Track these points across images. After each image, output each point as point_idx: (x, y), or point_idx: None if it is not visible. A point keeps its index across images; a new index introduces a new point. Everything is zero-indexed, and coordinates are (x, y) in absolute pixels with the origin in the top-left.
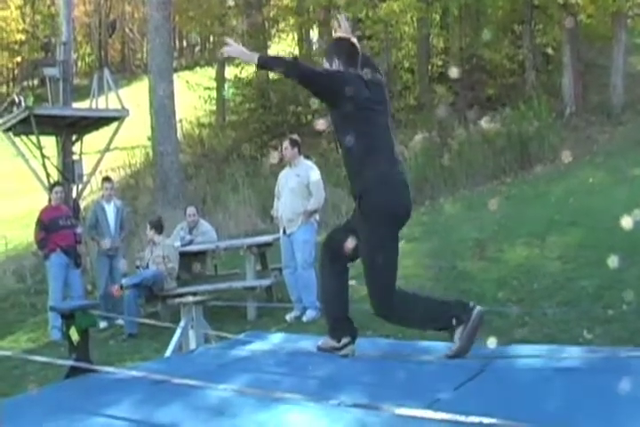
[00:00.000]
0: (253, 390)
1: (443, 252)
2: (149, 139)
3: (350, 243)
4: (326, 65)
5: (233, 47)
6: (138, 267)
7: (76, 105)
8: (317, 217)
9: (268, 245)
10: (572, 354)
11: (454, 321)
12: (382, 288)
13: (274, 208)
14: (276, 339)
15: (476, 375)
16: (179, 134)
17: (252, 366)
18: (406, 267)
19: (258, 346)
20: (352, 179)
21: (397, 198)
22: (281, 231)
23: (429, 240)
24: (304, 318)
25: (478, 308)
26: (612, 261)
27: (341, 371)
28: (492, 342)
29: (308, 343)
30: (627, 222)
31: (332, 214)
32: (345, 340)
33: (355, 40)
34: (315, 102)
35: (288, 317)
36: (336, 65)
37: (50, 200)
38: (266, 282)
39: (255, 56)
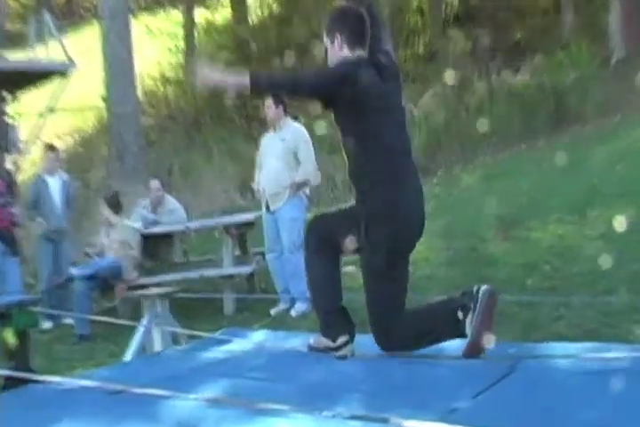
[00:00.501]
0: (232, 399)
1: (459, 231)
2: (103, 98)
3: (349, 243)
4: (327, 43)
5: (208, 73)
6: (90, 254)
7: (8, 56)
8: (307, 191)
9: (248, 224)
10: (619, 353)
11: (460, 313)
12: (382, 320)
13: (255, 180)
14: (258, 337)
15: (501, 380)
16: (138, 92)
17: (229, 370)
18: (415, 250)
19: (237, 346)
20: (358, 192)
21: (405, 231)
22: (264, 208)
23: (443, 217)
24: (292, 312)
25: (485, 286)
26: None
27: (338, 376)
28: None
29: (297, 342)
30: None
31: (325, 187)
32: (342, 338)
33: (363, 12)
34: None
35: (273, 311)
36: (338, 43)
37: None
38: (246, 269)
39: (245, 78)
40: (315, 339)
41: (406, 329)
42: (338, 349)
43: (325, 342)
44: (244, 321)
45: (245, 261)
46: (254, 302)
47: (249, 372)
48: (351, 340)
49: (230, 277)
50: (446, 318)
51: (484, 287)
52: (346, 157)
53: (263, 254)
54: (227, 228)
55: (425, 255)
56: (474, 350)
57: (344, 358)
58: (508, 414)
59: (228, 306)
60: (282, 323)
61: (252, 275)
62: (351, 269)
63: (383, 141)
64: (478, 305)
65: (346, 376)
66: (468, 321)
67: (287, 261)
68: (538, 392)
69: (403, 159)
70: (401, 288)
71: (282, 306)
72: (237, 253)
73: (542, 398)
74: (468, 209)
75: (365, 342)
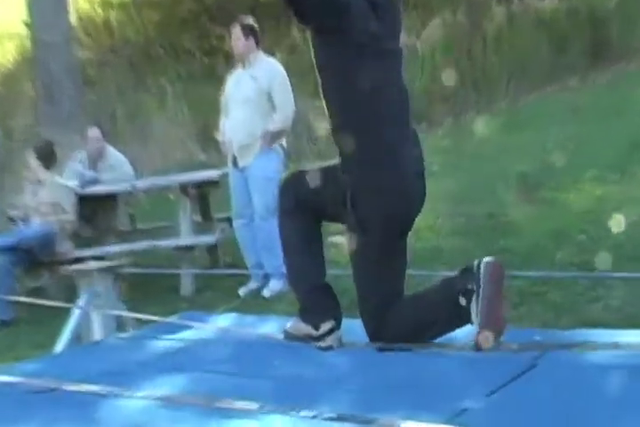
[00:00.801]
0: (189, 397)
1: (473, 193)
2: (26, 24)
3: (333, 211)
4: None
5: None
6: (13, 220)
7: None
8: (284, 142)
9: (211, 184)
10: None
11: (462, 299)
12: (373, 309)
13: (220, 129)
14: (223, 322)
15: (521, 375)
16: (71, 17)
17: (187, 362)
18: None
19: (197, 333)
20: (342, 159)
21: (401, 209)
22: (230, 164)
23: (452, 176)
24: (265, 292)
25: (485, 260)
26: None
27: (321, 370)
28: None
29: (271, 329)
30: None
31: (305, 137)
32: (326, 325)
33: None
34: None
35: (242, 290)
36: None
37: None
38: (208, 239)
39: None
40: (292, 324)
41: (404, 320)
42: (321, 337)
43: (305, 328)
44: (205, 303)
45: (207, 230)
46: (218, 280)
47: (211, 364)
48: (337, 326)
49: (189, 248)
50: (447, 305)
51: (485, 260)
52: (327, 112)
53: (230, 221)
54: (184, 188)
55: (430, 223)
56: (485, 342)
57: (329, 348)
58: (529, 417)
59: (187, 284)
60: (252, 305)
61: (215, 246)
62: (337, 240)
63: (373, 95)
64: (481, 285)
65: (330, 371)
66: (472, 307)
67: (259, 230)
68: (567, 391)
69: (398, 117)
70: (397, 274)
71: (252, 284)
72: (197, 219)
73: (572, 398)
74: (483, 166)
75: (356, 328)
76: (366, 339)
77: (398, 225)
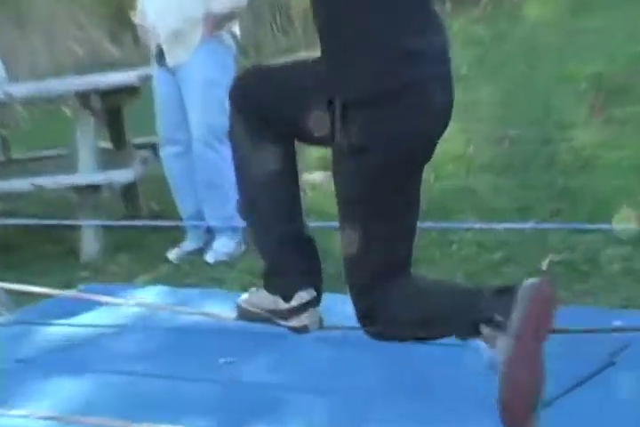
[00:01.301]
0: (92, 418)
1: (519, 108)
2: None
3: (313, 126)
4: None
5: None
6: None
7: None
8: (237, 29)
9: (126, 92)
10: None
11: (484, 328)
12: (369, 283)
13: (138, 9)
14: (145, 299)
15: (595, 375)
16: None
17: (90, 359)
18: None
19: (105, 315)
20: (326, 50)
21: (416, 127)
22: (155, 62)
23: (490, 81)
24: (208, 256)
25: (529, 282)
26: None
27: (291, 367)
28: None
29: (215, 307)
30: None
31: (269, 20)
32: (302, 295)
33: None
34: None
35: (173, 253)
36: None
37: None
38: (123, 176)
39: None
40: (250, 297)
41: (409, 303)
42: (293, 313)
43: (270, 300)
44: (118, 271)
45: (121, 162)
46: (138, 237)
47: (126, 362)
48: (317, 299)
49: (93, 190)
50: (463, 321)
51: (527, 283)
52: None
53: (155, 149)
54: (84, 98)
55: (456, 152)
56: (509, 409)
57: (303, 330)
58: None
59: (90, 243)
60: (188, 274)
61: (133, 187)
62: (316, 177)
63: None
64: (514, 324)
65: (305, 368)
66: (498, 346)
67: (199, 162)
68: None
69: None
70: (406, 229)
71: (189, 244)
72: (106, 145)
73: None
74: (535, 65)
75: (342, 305)
76: (354, 320)
77: (412, 152)
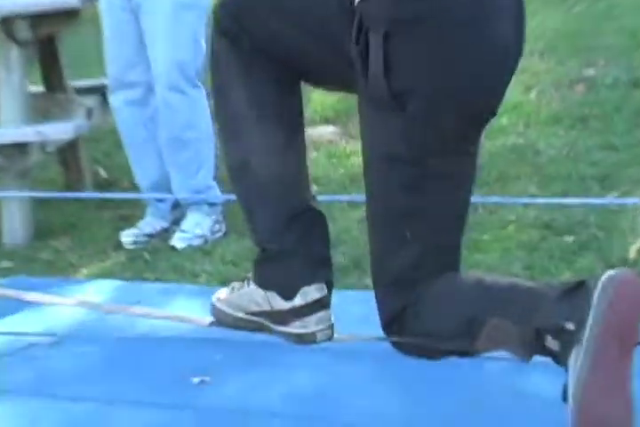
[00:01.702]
0: None
1: (595, 35)
2: None
3: (325, 59)
4: None
5: None
6: None
7: None
8: None
9: (63, 17)
10: None
11: (550, 340)
12: (400, 275)
13: None
14: (89, 296)
15: None
16: None
17: (16, 376)
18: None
19: (34, 319)
20: None
21: (486, 71)
22: None
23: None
24: (176, 241)
25: (608, 274)
26: None
27: (285, 390)
28: None
29: (183, 307)
30: None
31: None
32: (308, 292)
33: None
34: None
35: (128, 236)
36: None
37: None
38: (60, 132)
39: None
40: (232, 294)
41: (453, 308)
42: (295, 316)
43: (262, 299)
44: (53, 259)
45: (57, 112)
46: (80, 214)
47: (58, 383)
48: (328, 298)
49: (18, 149)
50: (522, 332)
51: (606, 276)
52: None
53: (103, 94)
54: (7, 24)
55: (512, 99)
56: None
57: (309, 341)
58: None
59: (14, 222)
60: (149, 265)
61: (72, 146)
62: (323, 134)
63: None
64: (593, 329)
65: (301, 390)
66: (570, 363)
67: (164, 112)
68: None
69: None
70: (457, 207)
71: (149, 224)
72: (37, 89)
73: None
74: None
75: (354, 305)
76: (378, 328)
77: (475, 99)
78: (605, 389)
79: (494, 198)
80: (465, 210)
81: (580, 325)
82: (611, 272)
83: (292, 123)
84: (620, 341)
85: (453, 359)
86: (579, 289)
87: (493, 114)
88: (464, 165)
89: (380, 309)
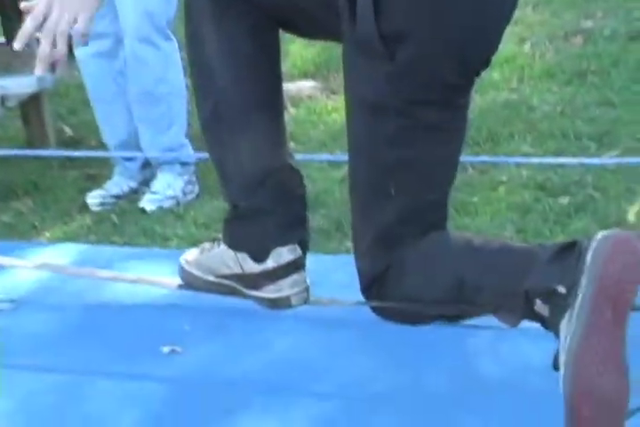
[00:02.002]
0: None
1: None
2: None
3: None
4: None
5: None
6: None
7: None
8: None
9: None
10: None
11: (541, 304)
12: (383, 235)
13: None
14: (55, 259)
15: None
16: None
17: None
18: None
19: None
20: None
21: (482, 18)
22: None
23: None
24: (145, 202)
25: (601, 235)
26: None
27: (259, 360)
28: None
29: (153, 270)
30: None
31: None
32: (281, 253)
33: None
34: None
35: (94, 197)
36: None
37: None
38: (20, 85)
39: None
40: (201, 256)
41: (437, 270)
42: (268, 280)
43: (233, 261)
44: (13, 222)
45: (17, 64)
46: (43, 174)
47: (19, 352)
48: (302, 260)
49: None
50: (507, 291)
51: (602, 238)
52: None
53: (68, 44)
54: None
55: (505, 51)
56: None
57: (283, 305)
58: None
59: None
60: (116, 228)
61: (34, 101)
62: (302, 89)
63: None
64: (585, 293)
65: (276, 360)
66: (562, 328)
67: (134, 65)
68: None
69: None
70: (446, 161)
71: (117, 185)
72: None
73: None
74: None
75: (334, 271)
76: (358, 292)
77: (469, 53)
78: (600, 354)
79: (484, 158)
80: (453, 166)
81: (572, 288)
82: (604, 232)
83: (269, 76)
84: (614, 303)
85: (437, 326)
86: (571, 250)
87: (487, 64)
88: (453, 118)
89: (359, 270)
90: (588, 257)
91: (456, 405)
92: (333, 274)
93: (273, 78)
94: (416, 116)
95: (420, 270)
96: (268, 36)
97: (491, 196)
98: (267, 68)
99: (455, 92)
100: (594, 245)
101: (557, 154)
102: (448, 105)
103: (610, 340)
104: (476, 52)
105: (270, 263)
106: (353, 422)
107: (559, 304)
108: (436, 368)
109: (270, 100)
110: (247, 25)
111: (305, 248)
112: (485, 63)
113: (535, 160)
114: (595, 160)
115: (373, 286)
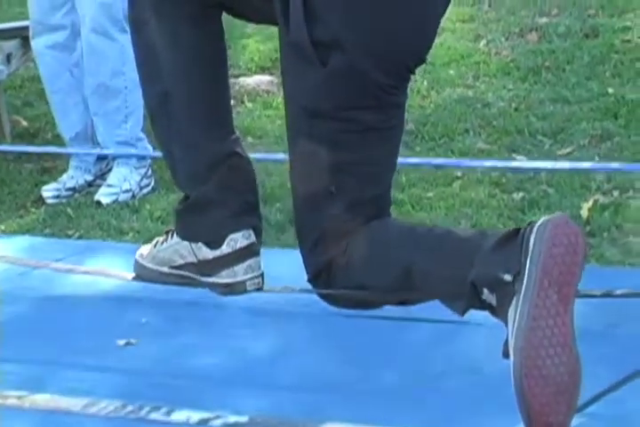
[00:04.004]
0: None
1: None
2: None
3: None
4: None
5: None
6: None
7: None
8: None
9: None
10: None
11: (488, 294)
12: (327, 224)
13: None
14: (9, 252)
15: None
16: None
17: None
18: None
19: None
20: None
21: (413, 17)
22: None
23: None
24: (101, 195)
25: (544, 219)
26: None
27: (215, 351)
28: None
29: (108, 263)
30: None
31: None
32: (235, 239)
33: None
34: None
35: (50, 190)
36: None
37: None
38: None
39: None
40: (155, 249)
41: (381, 256)
42: (223, 265)
43: (186, 251)
44: None
45: None
46: None
47: None
48: (257, 246)
49: None
50: (457, 288)
51: (543, 223)
52: None
53: (24, 38)
54: None
55: (460, 48)
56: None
57: (238, 290)
58: None
59: None
60: (72, 221)
61: None
62: (256, 83)
63: None
64: (531, 279)
65: (232, 350)
66: (510, 315)
67: (90, 57)
68: None
69: None
70: (384, 155)
71: (72, 178)
72: None
73: None
74: None
75: (287, 264)
76: (304, 280)
77: (402, 56)
78: (548, 337)
79: (439, 160)
80: (393, 163)
81: (517, 274)
82: (545, 217)
83: (213, 64)
84: (559, 286)
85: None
86: (513, 238)
87: (420, 62)
88: (389, 117)
89: (305, 262)
90: (531, 243)
91: (405, 394)
92: (287, 267)
93: (218, 67)
94: (351, 119)
95: (365, 259)
96: (209, 23)
97: (446, 191)
98: (210, 56)
99: (389, 93)
100: (535, 230)
101: (512, 150)
102: (382, 106)
103: (557, 322)
104: (408, 53)
105: (225, 249)
106: (304, 411)
107: (506, 292)
108: (385, 360)
109: (216, 88)
110: (187, 12)
111: (259, 235)
112: (419, 61)
113: (489, 164)
114: (548, 164)
115: (321, 276)
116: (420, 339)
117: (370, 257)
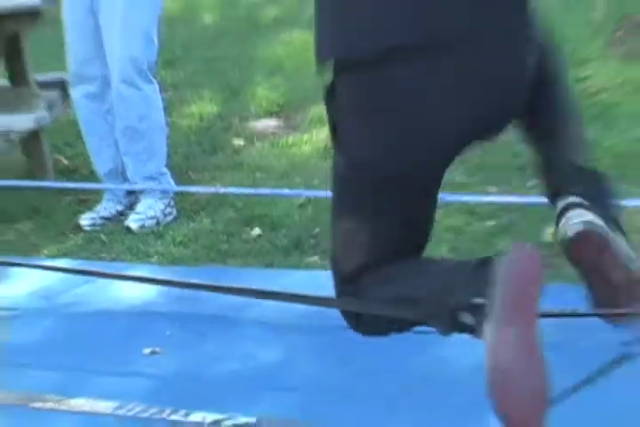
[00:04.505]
0: None
1: None
2: None
3: None
4: None
5: None
6: None
7: None
8: None
9: (26, 15)
10: None
11: (465, 315)
12: (347, 266)
13: None
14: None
15: (605, 371)
16: None
17: None
18: None
19: None
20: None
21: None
22: None
23: None
24: (130, 223)
25: (511, 250)
26: None
27: (234, 360)
28: None
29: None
30: None
31: None
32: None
33: None
34: None
35: (86, 218)
36: None
37: None
38: (23, 122)
39: None
40: None
41: (381, 288)
42: None
43: None
44: (15, 240)
45: (20, 104)
46: (41, 199)
47: (20, 352)
48: None
49: None
50: (436, 304)
51: (507, 253)
52: None
53: (64, 88)
54: None
55: None
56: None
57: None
58: None
59: None
60: (105, 245)
61: (35, 136)
62: (274, 125)
63: None
64: (497, 303)
65: (250, 359)
66: (486, 332)
67: (120, 104)
68: None
69: None
70: (406, 220)
71: (106, 208)
72: (1, 82)
73: None
74: None
75: (300, 286)
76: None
77: (428, 166)
78: (517, 347)
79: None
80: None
81: (490, 299)
82: (511, 247)
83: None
84: (522, 311)
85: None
86: (487, 265)
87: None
88: (423, 205)
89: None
90: (498, 269)
91: (402, 399)
92: (292, 287)
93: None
94: (377, 201)
95: (375, 290)
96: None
97: None
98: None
99: (421, 193)
100: (501, 260)
101: (486, 183)
102: (416, 201)
103: (524, 334)
104: (439, 166)
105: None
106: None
107: (481, 315)
108: (384, 367)
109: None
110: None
111: None
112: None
113: (466, 198)
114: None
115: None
116: (417, 348)
117: (379, 289)
